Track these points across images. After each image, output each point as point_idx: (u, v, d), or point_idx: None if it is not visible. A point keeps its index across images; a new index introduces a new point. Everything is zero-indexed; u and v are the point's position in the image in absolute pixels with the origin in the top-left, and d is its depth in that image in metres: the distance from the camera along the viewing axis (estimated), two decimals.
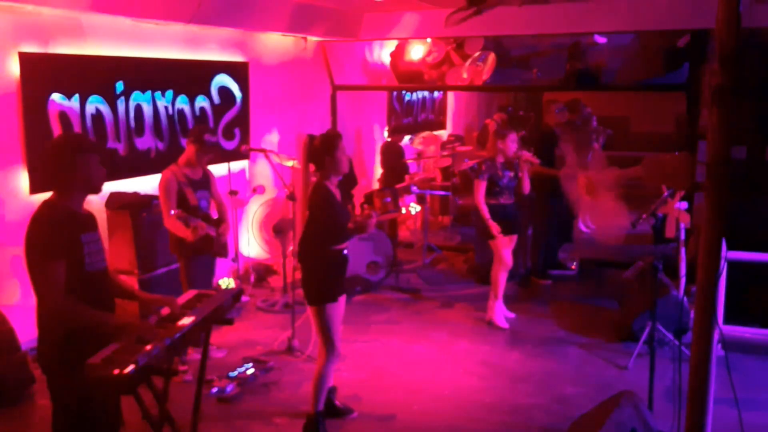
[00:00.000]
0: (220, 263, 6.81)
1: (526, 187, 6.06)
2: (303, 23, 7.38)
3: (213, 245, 4.97)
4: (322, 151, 4.10)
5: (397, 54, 9.45)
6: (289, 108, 8.07)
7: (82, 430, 3.01)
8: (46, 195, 2.98)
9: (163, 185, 4.86)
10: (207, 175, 5.14)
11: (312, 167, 4.17)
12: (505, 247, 5.99)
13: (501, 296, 6.12)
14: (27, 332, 4.41)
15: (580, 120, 8.63)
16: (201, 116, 6.63)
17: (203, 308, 3.43)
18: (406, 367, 5.25)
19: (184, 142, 5.97)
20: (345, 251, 4.20)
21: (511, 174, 5.96)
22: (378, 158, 9.71)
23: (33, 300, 2.93)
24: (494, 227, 5.82)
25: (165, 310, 3.31)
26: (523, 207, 6.69)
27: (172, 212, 4.64)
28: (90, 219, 3.08)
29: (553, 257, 7.67)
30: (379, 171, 9.71)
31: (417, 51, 9.27)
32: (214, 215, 5.18)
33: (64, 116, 5.16)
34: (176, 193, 4.85)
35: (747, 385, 4.76)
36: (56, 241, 2.84)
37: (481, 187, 5.89)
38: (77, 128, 5.27)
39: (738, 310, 5.36)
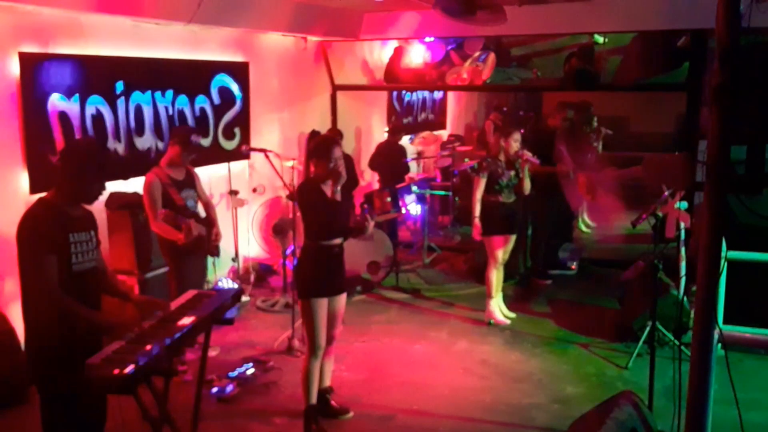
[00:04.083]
0: (220, 263, 6.83)
1: (526, 187, 6.04)
2: (303, 23, 7.38)
3: (204, 245, 4.92)
4: (312, 154, 4.13)
5: (395, 58, 9.37)
6: (289, 108, 8.07)
7: (69, 424, 3.03)
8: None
9: (147, 188, 4.72)
10: (191, 175, 5.03)
11: (312, 165, 4.15)
12: (498, 246, 5.98)
13: (494, 294, 6.13)
14: None
15: (579, 120, 8.60)
16: (201, 116, 6.63)
17: (203, 308, 3.43)
18: (406, 367, 5.25)
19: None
20: (337, 248, 4.16)
21: (512, 173, 5.96)
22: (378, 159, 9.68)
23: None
24: (476, 229, 5.89)
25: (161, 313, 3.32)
26: (523, 206, 6.68)
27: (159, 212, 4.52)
28: (83, 219, 3.09)
29: (553, 257, 7.67)
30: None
31: (416, 54, 9.23)
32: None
33: (64, 116, 5.16)
34: (161, 196, 4.71)
35: (747, 385, 4.75)
36: (46, 237, 2.90)
37: (479, 184, 5.90)
38: (77, 128, 5.26)
39: (738, 310, 5.36)
